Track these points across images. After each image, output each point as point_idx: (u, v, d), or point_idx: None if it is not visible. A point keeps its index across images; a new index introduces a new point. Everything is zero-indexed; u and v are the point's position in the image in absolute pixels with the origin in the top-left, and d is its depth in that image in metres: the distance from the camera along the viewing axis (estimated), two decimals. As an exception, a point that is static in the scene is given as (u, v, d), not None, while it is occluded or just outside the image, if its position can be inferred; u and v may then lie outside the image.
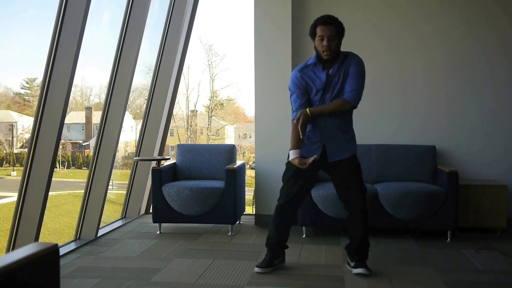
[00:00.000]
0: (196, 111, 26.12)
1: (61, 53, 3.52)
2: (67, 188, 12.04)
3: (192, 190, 4.47)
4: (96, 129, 9.06)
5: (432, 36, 4.91)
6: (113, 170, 4.57)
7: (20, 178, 3.59)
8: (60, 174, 13.81)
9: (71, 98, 4.70)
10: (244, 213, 5.23)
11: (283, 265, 3.55)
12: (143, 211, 5.56)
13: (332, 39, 3.18)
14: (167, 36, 5.49)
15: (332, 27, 3.18)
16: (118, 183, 10.03)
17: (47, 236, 7.34)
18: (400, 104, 4.95)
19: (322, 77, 3.26)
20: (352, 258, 3.44)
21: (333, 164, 3.36)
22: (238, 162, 4.88)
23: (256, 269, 3.41)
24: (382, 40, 4.97)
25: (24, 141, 11.56)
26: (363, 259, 3.41)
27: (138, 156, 5.48)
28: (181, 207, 4.50)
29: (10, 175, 10.87)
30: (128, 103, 4.74)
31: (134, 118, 17.99)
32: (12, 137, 11.30)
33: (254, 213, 5.18)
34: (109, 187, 4.59)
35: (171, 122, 5.92)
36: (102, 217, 4.49)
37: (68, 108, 3.69)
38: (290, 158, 3.32)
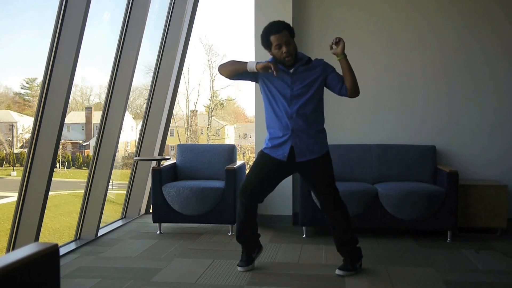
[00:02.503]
0: (196, 111, 26.14)
1: (61, 53, 3.52)
2: (67, 188, 12.04)
3: (192, 190, 4.47)
4: (96, 129, 9.06)
5: (431, 36, 4.91)
6: (113, 170, 4.58)
7: (20, 178, 3.59)
8: (60, 174, 13.81)
9: (71, 98, 4.70)
10: (244, 213, 5.22)
11: (262, 252, 3.61)
12: (143, 211, 5.56)
13: (289, 43, 3.18)
14: (167, 36, 5.49)
15: (286, 31, 3.18)
16: (118, 183, 10.02)
17: (47, 236, 7.34)
18: (400, 104, 4.95)
19: (284, 77, 3.23)
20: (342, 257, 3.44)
21: (302, 164, 3.31)
22: (238, 162, 4.88)
23: (239, 269, 3.43)
24: (381, 40, 4.97)
25: (24, 141, 11.55)
26: (350, 259, 3.38)
27: (138, 156, 5.49)
28: (181, 207, 4.50)
29: (10, 175, 10.86)
30: (128, 103, 4.74)
31: (134, 118, 17.97)
32: (12, 137, 11.30)
33: (254, 213, 5.17)
34: (109, 187, 4.59)
35: (171, 122, 5.92)
36: (102, 217, 4.49)
37: (68, 108, 3.69)
38: (253, 66, 3.12)
